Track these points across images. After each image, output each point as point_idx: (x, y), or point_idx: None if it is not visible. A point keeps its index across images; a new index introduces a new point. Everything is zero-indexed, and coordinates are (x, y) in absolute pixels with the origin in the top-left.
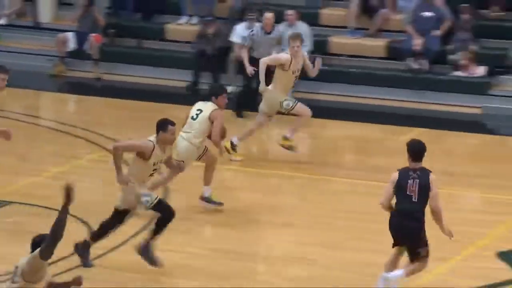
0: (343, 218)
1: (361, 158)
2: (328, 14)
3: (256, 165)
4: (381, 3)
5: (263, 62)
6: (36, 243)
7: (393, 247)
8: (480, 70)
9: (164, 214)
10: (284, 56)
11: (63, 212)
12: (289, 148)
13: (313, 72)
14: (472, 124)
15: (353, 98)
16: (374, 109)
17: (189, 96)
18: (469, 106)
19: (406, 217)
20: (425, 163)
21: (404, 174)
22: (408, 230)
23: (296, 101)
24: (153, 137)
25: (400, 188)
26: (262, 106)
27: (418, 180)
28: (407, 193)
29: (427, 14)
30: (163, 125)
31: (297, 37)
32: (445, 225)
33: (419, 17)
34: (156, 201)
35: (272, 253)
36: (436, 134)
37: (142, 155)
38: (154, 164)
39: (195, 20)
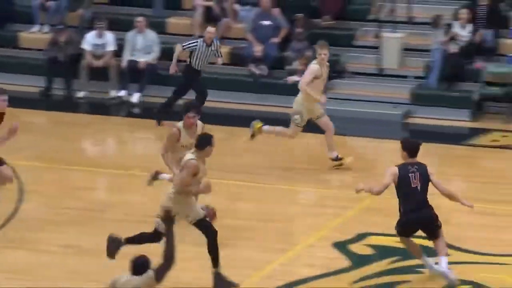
0: None
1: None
2: (175, 23)
3: (99, 165)
4: (223, 13)
5: (305, 85)
6: (139, 264)
7: (410, 235)
8: None
9: (206, 235)
10: (315, 68)
11: (171, 237)
12: (339, 164)
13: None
14: (310, 125)
15: None
16: (219, 112)
17: (42, 102)
18: None
19: (421, 209)
20: (265, 161)
21: (404, 169)
22: (427, 218)
23: (302, 123)
24: (192, 155)
25: (403, 183)
26: None
27: (418, 172)
28: (412, 186)
29: (266, 23)
30: (210, 140)
31: (325, 45)
32: (463, 199)
33: (258, 25)
34: (199, 218)
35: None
36: None
37: None
38: (199, 178)
39: (46, 28)
